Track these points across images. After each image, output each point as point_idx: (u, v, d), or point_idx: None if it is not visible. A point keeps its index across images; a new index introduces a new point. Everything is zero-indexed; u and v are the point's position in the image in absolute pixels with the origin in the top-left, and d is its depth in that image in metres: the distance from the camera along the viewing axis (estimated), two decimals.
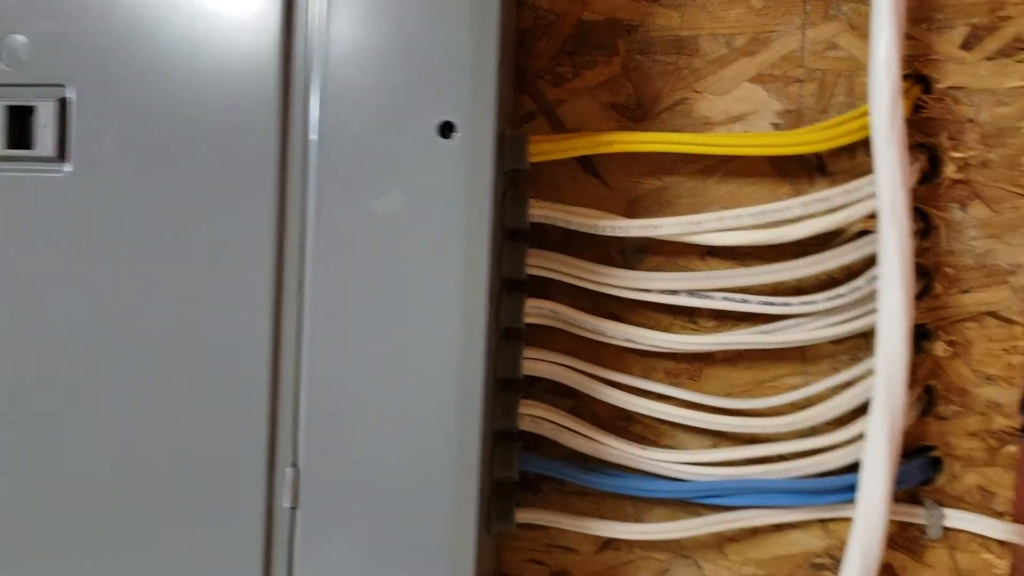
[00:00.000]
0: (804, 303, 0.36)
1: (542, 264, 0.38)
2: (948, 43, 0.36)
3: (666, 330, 0.38)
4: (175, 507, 0.34)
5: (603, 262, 0.38)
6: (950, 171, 0.35)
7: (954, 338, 0.36)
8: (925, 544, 0.38)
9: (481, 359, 0.32)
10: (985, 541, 0.37)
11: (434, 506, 0.33)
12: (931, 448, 0.37)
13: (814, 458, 0.36)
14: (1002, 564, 0.37)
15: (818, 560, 0.38)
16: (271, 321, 0.33)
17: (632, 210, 0.38)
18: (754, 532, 0.39)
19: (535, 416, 0.38)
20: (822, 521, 0.38)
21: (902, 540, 0.38)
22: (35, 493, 0.34)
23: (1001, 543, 0.37)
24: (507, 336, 0.37)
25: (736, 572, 0.39)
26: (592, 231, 0.37)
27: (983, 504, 0.37)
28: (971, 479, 0.37)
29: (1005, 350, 0.36)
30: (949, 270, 0.36)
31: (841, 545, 0.38)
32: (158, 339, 0.33)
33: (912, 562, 0.38)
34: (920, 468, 0.37)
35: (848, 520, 0.35)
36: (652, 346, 0.38)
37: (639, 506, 0.39)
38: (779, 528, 0.38)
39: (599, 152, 0.36)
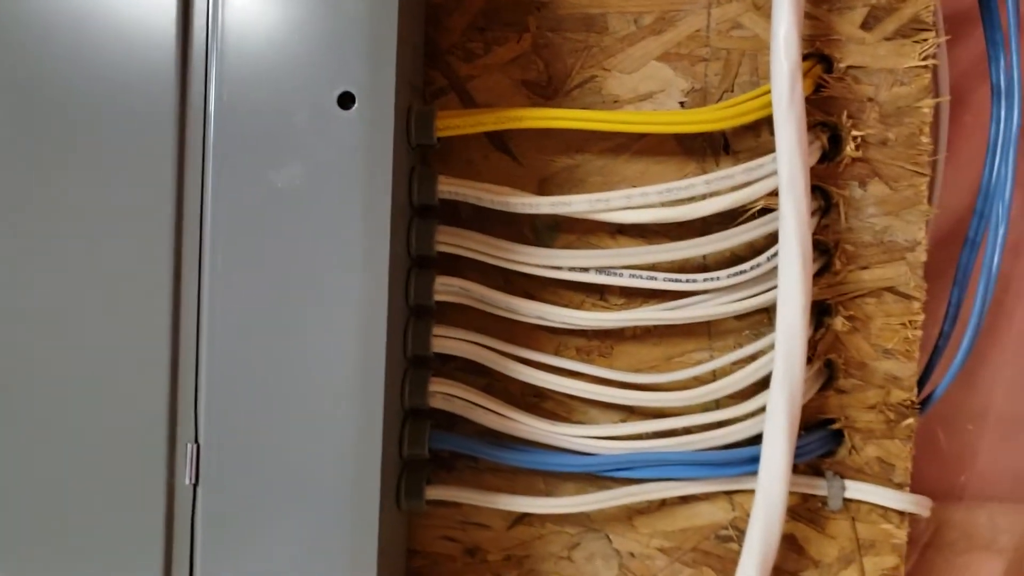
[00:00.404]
0: (708, 280, 0.36)
1: (454, 241, 0.38)
2: (849, 24, 0.36)
3: (577, 307, 0.39)
4: (74, 485, 0.33)
5: (515, 240, 0.38)
6: (850, 149, 0.36)
7: (853, 313, 0.37)
8: (827, 515, 0.38)
9: (383, 335, 0.32)
10: (885, 512, 0.38)
11: (336, 483, 0.32)
12: (832, 421, 0.38)
13: (719, 431, 0.37)
14: (900, 533, 0.38)
15: (724, 532, 0.39)
16: (170, 296, 0.32)
17: (544, 188, 0.39)
18: (662, 505, 0.39)
19: (447, 394, 0.38)
20: (728, 493, 0.39)
21: (804, 511, 0.39)
22: None
23: (900, 513, 0.38)
24: (417, 313, 0.37)
25: (645, 544, 0.39)
26: (504, 208, 0.37)
27: (883, 476, 0.38)
28: (871, 451, 0.38)
29: (903, 324, 0.37)
30: (849, 247, 0.37)
31: (746, 517, 0.38)
32: (56, 317, 0.33)
33: (814, 532, 0.39)
34: (821, 441, 0.38)
35: (752, 492, 0.35)
36: (564, 323, 0.38)
37: (551, 481, 0.39)
38: (686, 500, 0.39)
39: (508, 128, 0.36)
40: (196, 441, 0.33)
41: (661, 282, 0.37)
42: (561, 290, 0.39)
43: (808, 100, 0.36)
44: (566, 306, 0.38)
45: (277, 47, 0.31)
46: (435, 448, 0.38)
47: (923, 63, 0.36)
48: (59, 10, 0.32)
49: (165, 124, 0.32)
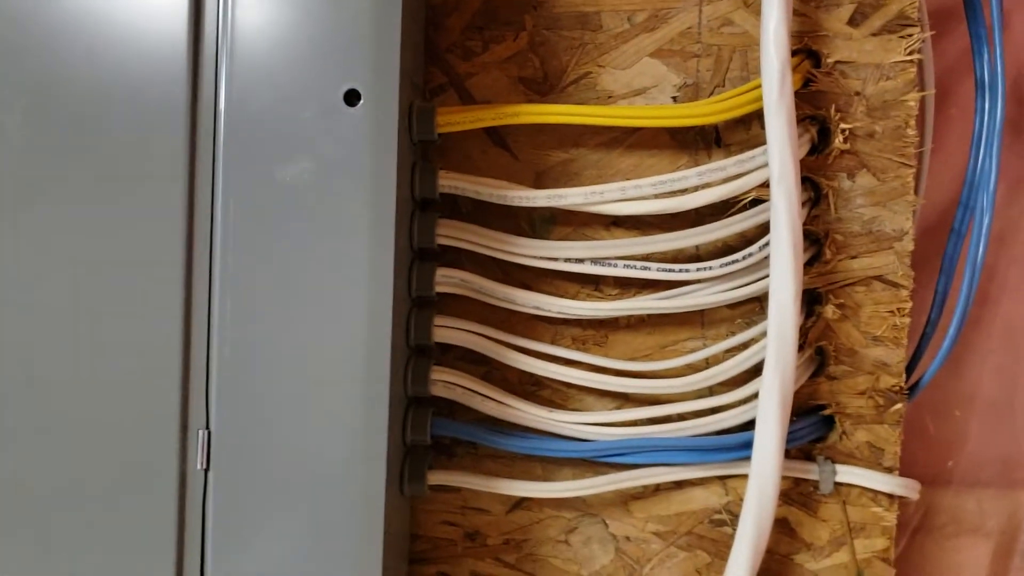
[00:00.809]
0: (701, 269, 0.37)
1: (454, 234, 0.39)
2: (836, 20, 0.37)
3: (573, 297, 0.40)
4: (89, 471, 0.34)
5: (513, 232, 0.39)
6: (838, 142, 0.37)
7: (843, 301, 0.38)
8: (818, 499, 0.40)
9: (388, 326, 0.33)
10: (875, 495, 0.39)
11: (343, 469, 0.33)
12: (823, 407, 0.39)
13: (712, 417, 0.38)
14: (890, 516, 0.39)
15: (718, 516, 0.40)
16: (182, 288, 0.33)
17: (541, 182, 0.40)
18: (657, 489, 0.40)
19: (448, 382, 0.39)
20: (721, 478, 0.40)
21: (796, 495, 0.40)
22: None
23: (889, 496, 0.39)
24: (419, 304, 0.38)
25: (640, 528, 0.40)
26: (502, 201, 0.38)
27: (872, 460, 0.39)
28: (861, 436, 0.39)
29: (891, 312, 0.38)
30: (838, 237, 0.38)
31: (739, 501, 0.39)
32: (72, 309, 0.34)
33: (806, 516, 0.40)
34: (813, 426, 0.39)
35: (746, 476, 0.36)
36: (560, 313, 0.39)
37: (548, 467, 0.40)
38: (680, 485, 0.40)
39: (506, 123, 0.37)
40: (207, 428, 0.34)
41: (655, 272, 0.38)
42: (557, 281, 0.40)
43: (797, 94, 0.37)
44: (562, 296, 0.39)
45: (285, 47, 0.32)
46: (436, 435, 0.39)
47: (908, 58, 0.37)
48: (73, 13, 0.33)
49: (177, 121, 0.33)
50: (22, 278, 0.34)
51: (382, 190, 0.32)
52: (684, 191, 0.37)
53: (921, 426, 0.48)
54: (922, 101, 0.39)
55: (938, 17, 0.45)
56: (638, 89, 0.39)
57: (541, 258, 0.39)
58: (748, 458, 0.36)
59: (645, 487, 0.40)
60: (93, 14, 0.33)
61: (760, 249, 0.36)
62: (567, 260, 0.39)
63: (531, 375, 0.40)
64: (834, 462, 0.39)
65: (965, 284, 0.40)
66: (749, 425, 0.37)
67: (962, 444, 0.48)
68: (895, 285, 0.38)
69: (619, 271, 0.38)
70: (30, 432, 0.34)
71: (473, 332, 0.39)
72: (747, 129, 0.38)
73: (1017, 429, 0.48)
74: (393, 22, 0.32)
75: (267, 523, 0.34)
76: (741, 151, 0.37)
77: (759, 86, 0.35)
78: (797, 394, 0.38)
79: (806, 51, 0.38)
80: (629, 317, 0.40)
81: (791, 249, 0.35)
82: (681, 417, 0.39)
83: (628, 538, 0.41)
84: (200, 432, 0.34)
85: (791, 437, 0.38)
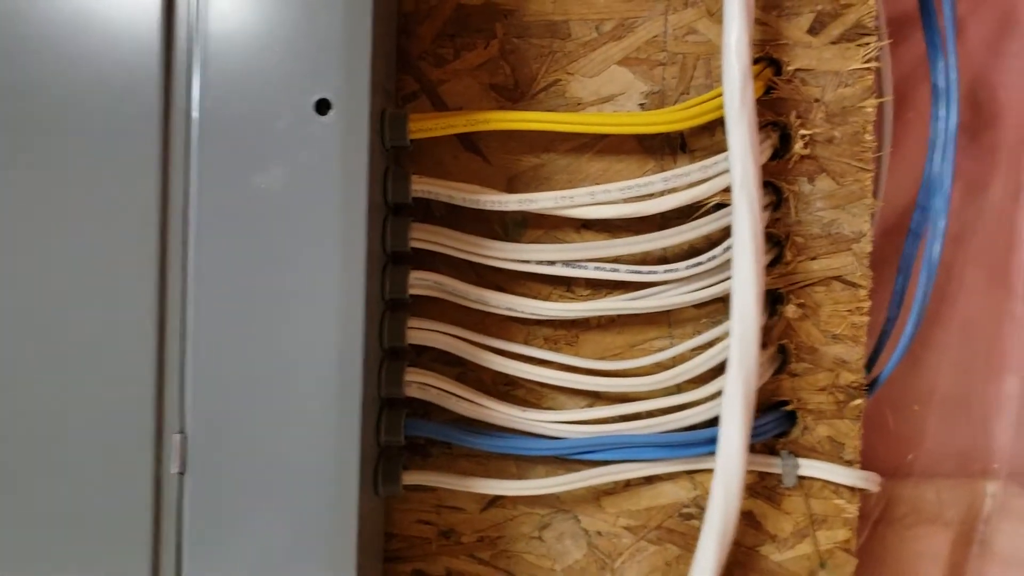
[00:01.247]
0: (668, 271, 0.38)
1: (427, 238, 0.39)
2: (796, 28, 0.39)
3: (545, 299, 0.41)
4: (64, 475, 0.34)
5: (486, 235, 0.40)
6: (799, 147, 0.38)
7: (804, 301, 0.39)
8: (782, 492, 0.41)
9: (360, 328, 0.34)
10: (837, 488, 0.41)
11: (317, 470, 0.34)
12: (786, 403, 0.40)
13: (680, 414, 0.39)
14: (851, 508, 0.41)
15: (686, 510, 0.41)
16: (156, 293, 0.34)
17: (512, 186, 0.41)
18: (627, 485, 0.41)
19: (422, 383, 0.40)
20: (689, 473, 0.41)
21: (761, 488, 0.41)
22: None
23: (851, 489, 0.41)
24: (393, 307, 0.39)
25: (612, 524, 0.42)
26: (474, 205, 0.39)
27: (834, 454, 0.40)
28: (822, 431, 0.40)
29: (850, 311, 0.39)
30: (799, 239, 0.39)
31: (707, 495, 0.40)
32: (46, 314, 0.34)
33: (771, 509, 0.41)
34: (776, 421, 0.40)
35: (713, 471, 0.37)
36: (532, 314, 0.40)
37: (521, 465, 0.41)
38: (650, 481, 0.41)
39: (476, 130, 0.38)
40: (182, 431, 0.34)
41: (624, 274, 0.39)
42: (530, 282, 0.41)
43: (759, 101, 0.38)
44: (534, 298, 0.40)
45: (257, 57, 0.33)
46: (411, 435, 0.40)
47: (866, 65, 0.39)
48: (45, 20, 0.33)
49: (151, 129, 0.33)
50: None
51: (353, 196, 0.33)
52: (651, 195, 0.38)
53: (882, 421, 0.49)
54: (880, 107, 0.41)
55: (897, 24, 0.46)
56: (606, 96, 0.40)
57: (513, 260, 0.40)
58: (714, 453, 0.37)
59: (616, 483, 0.41)
60: (66, 21, 0.33)
61: (724, 251, 0.38)
62: (539, 262, 0.40)
63: (505, 375, 0.41)
64: (797, 456, 0.40)
65: (922, 283, 0.41)
66: (716, 421, 0.37)
67: (921, 437, 0.49)
68: (854, 285, 0.39)
69: (589, 273, 0.39)
70: (3, 437, 0.34)
71: (447, 334, 0.40)
72: (711, 135, 0.40)
73: (974, 422, 0.49)
74: (364, 32, 0.33)
75: (242, 525, 0.34)
76: (706, 156, 0.38)
77: (722, 94, 0.36)
78: (760, 391, 0.39)
79: (768, 59, 0.39)
80: (599, 317, 0.41)
81: (753, 252, 0.36)
82: (650, 414, 0.40)
83: (600, 533, 0.42)
84: (175, 436, 0.34)
85: (755, 432, 0.39)
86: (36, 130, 0.34)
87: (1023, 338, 0.49)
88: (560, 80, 0.40)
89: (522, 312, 0.40)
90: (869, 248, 0.39)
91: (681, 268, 0.38)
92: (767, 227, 0.39)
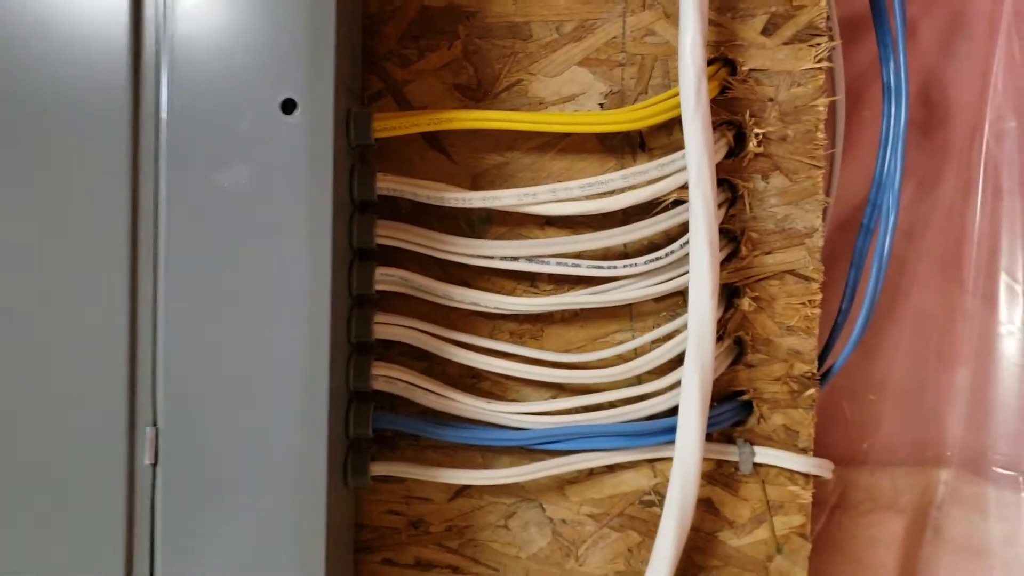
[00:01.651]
0: (628, 266, 0.40)
1: (393, 235, 0.40)
2: (750, 30, 0.40)
3: (510, 294, 0.42)
4: (39, 468, 0.35)
5: (451, 232, 0.41)
6: (753, 145, 0.40)
7: (759, 294, 0.41)
8: (739, 479, 0.42)
9: (327, 323, 0.35)
10: (791, 475, 0.42)
11: (286, 463, 0.35)
12: (742, 393, 0.42)
13: (640, 404, 0.40)
14: (805, 494, 0.42)
15: (647, 497, 0.42)
16: (127, 290, 0.35)
17: (477, 183, 0.42)
18: (590, 474, 0.42)
19: (389, 377, 0.41)
20: (649, 461, 0.42)
21: (719, 476, 0.42)
22: None
23: (805, 476, 0.42)
24: (360, 302, 0.40)
25: (575, 512, 0.43)
26: (439, 203, 0.40)
27: (788, 442, 0.42)
28: (777, 419, 0.42)
29: (803, 304, 0.41)
30: (754, 234, 0.41)
31: (667, 482, 0.42)
32: (21, 311, 0.35)
33: (728, 495, 0.42)
34: (733, 411, 0.42)
35: (672, 459, 0.39)
36: (497, 309, 0.41)
37: (487, 455, 0.42)
38: (612, 469, 0.42)
39: (440, 128, 0.39)
40: (155, 424, 0.35)
41: (585, 269, 0.40)
42: (494, 278, 0.42)
43: (714, 101, 0.39)
44: (499, 293, 0.41)
45: (223, 58, 0.34)
46: (379, 428, 0.41)
47: (818, 65, 0.40)
48: (15, 23, 0.34)
49: (120, 130, 0.34)
50: None
51: (319, 194, 0.34)
52: (611, 192, 0.39)
53: (838, 410, 0.51)
54: (832, 105, 0.42)
55: (851, 25, 0.48)
56: (567, 96, 0.41)
57: (478, 256, 0.41)
58: (674, 442, 0.39)
59: (579, 472, 0.42)
60: (34, 25, 0.34)
61: (681, 247, 0.39)
62: (503, 258, 0.41)
63: (471, 368, 0.42)
64: (753, 444, 0.42)
65: (873, 277, 0.43)
66: (675, 411, 0.39)
67: (876, 426, 0.51)
68: (806, 279, 0.41)
69: (552, 268, 0.40)
70: None
71: (414, 328, 0.41)
72: (669, 133, 0.41)
73: (927, 411, 0.51)
74: (328, 34, 0.34)
75: (214, 515, 0.35)
76: (664, 155, 0.39)
77: (678, 94, 0.37)
78: (717, 381, 0.40)
79: (723, 59, 0.40)
80: (563, 311, 0.42)
81: (708, 247, 0.37)
82: (612, 405, 0.41)
83: (564, 521, 0.43)
84: (148, 428, 0.35)
85: (712, 421, 0.40)
86: (8, 132, 0.34)
87: (974, 331, 0.50)
88: (522, 80, 0.41)
89: (487, 307, 0.41)
90: (821, 243, 0.40)
91: (641, 263, 0.39)
92: (723, 223, 0.40)
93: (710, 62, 0.39)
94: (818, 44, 0.40)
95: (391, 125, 0.39)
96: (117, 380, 0.35)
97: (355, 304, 0.39)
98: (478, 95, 0.41)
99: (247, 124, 0.34)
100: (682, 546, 0.38)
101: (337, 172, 0.35)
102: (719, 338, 0.40)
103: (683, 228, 0.39)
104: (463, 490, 0.43)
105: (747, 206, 0.40)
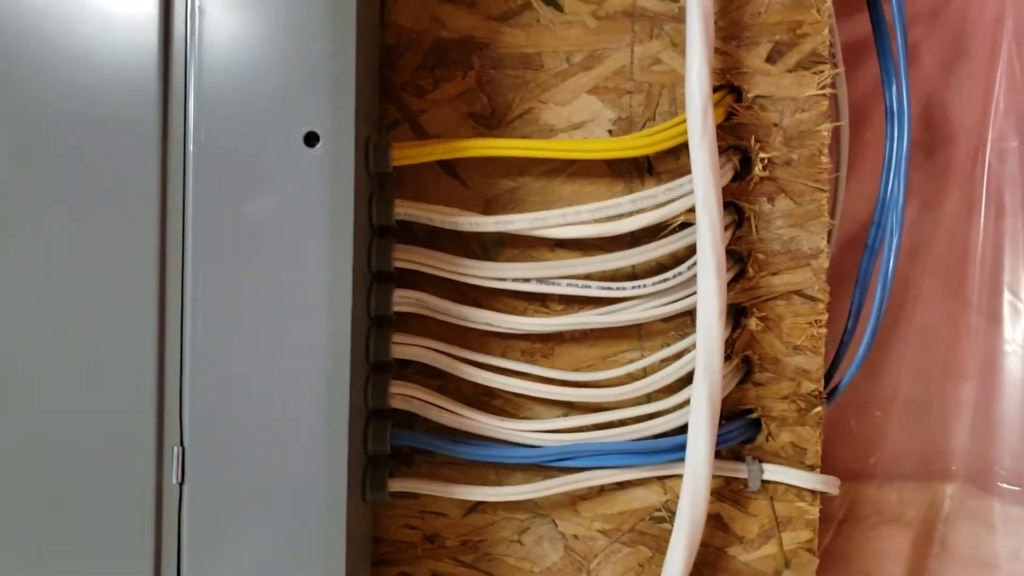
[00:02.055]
0: (636, 287, 0.41)
1: (410, 258, 0.42)
2: (755, 57, 0.41)
3: (522, 314, 0.43)
4: (70, 486, 0.36)
5: (465, 255, 0.42)
6: (758, 170, 0.41)
7: (766, 314, 0.42)
8: (748, 495, 0.43)
9: (347, 344, 0.36)
10: (799, 491, 0.43)
11: (308, 479, 0.36)
12: (750, 411, 0.43)
13: (650, 422, 0.41)
14: (813, 510, 0.43)
15: (657, 513, 0.43)
16: (156, 315, 0.36)
17: (489, 208, 0.43)
18: (601, 490, 0.43)
19: (406, 395, 0.42)
20: (660, 478, 0.43)
21: (728, 493, 0.43)
22: None
23: (812, 492, 0.43)
24: (378, 323, 0.41)
25: (587, 527, 0.44)
26: (453, 227, 0.41)
27: (796, 459, 0.43)
28: (785, 437, 0.43)
29: (809, 323, 0.42)
30: (760, 255, 0.42)
31: (677, 499, 0.43)
32: (53, 335, 0.36)
33: (737, 512, 0.43)
34: (742, 429, 0.43)
35: (682, 476, 0.40)
36: (510, 329, 0.42)
37: (501, 472, 0.44)
38: (623, 486, 0.43)
39: (456, 157, 0.40)
40: (182, 444, 0.36)
41: (595, 290, 0.41)
42: (507, 299, 0.43)
43: (720, 127, 0.40)
44: (511, 313, 0.42)
45: (248, 94, 0.35)
46: (396, 445, 0.42)
47: (821, 91, 0.41)
48: (52, 59, 0.35)
49: (150, 162, 0.35)
50: (1, 303, 0.36)
51: (340, 221, 0.35)
52: (620, 216, 0.40)
53: (845, 426, 0.52)
54: (836, 130, 0.43)
55: (854, 49, 0.49)
56: (577, 123, 0.42)
57: (491, 278, 0.42)
58: (684, 459, 0.40)
59: (591, 488, 0.43)
60: (69, 60, 0.35)
61: (689, 268, 0.40)
62: (515, 280, 0.42)
63: (484, 387, 0.43)
64: (761, 462, 0.43)
65: (878, 296, 0.44)
66: (684, 429, 0.40)
67: (883, 441, 0.52)
68: (812, 299, 0.42)
69: (563, 289, 0.42)
70: (8, 450, 0.36)
71: (429, 348, 0.42)
72: (676, 158, 0.42)
73: (933, 425, 0.52)
74: (348, 69, 0.35)
75: (239, 531, 0.37)
76: (671, 179, 0.40)
77: (684, 120, 0.39)
78: (726, 400, 0.41)
79: (729, 87, 0.41)
80: (573, 331, 0.43)
81: (715, 268, 0.38)
82: (622, 423, 0.42)
83: (576, 536, 0.44)
84: (175, 448, 0.36)
85: (721, 439, 0.41)
86: (40, 160, 0.36)
87: (978, 347, 0.51)
88: (534, 108, 0.42)
89: (500, 327, 0.42)
90: (826, 264, 0.41)
91: (649, 284, 0.41)
92: (730, 245, 0.41)
93: (716, 89, 0.40)
94: (821, 71, 0.41)
95: (409, 154, 0.40)
96: (146, 402, 0.36)
97: (373, 325, 0.41)
98: (491, 123, 0.42)
99: (272, 157, 0.35)
100: (692, 561, 0.39)
101: (357, 200, 0.36)
102: (727, 357, 0.41)
103: (691, 250, 0.40)
104: (477, 506, 0.44)
105: (753, 228, 0.41)
